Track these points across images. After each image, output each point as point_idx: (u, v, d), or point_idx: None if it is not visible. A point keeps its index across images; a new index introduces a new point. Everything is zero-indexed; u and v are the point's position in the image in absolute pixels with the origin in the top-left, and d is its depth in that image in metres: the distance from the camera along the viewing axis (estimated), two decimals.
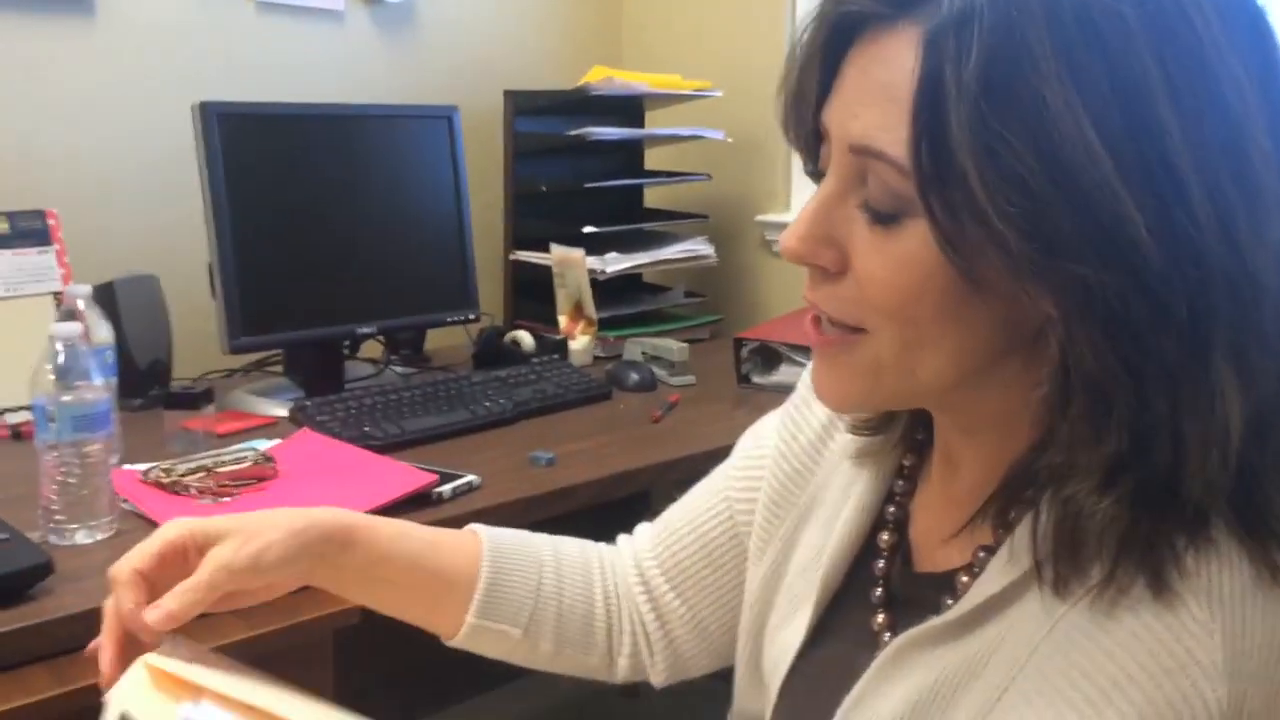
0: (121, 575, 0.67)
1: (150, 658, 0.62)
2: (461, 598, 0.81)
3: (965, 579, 0.63)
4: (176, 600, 0.66)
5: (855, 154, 0.57)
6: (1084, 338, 0.52)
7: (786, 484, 0.78)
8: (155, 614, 0.66)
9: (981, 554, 0.63)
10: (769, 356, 1.82)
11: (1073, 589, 0.56)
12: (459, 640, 0.82)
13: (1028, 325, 0.56)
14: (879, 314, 0.58)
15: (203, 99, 1.63)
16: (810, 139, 0.62)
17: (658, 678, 0.87)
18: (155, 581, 0.68)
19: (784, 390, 1.72)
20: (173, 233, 1.83)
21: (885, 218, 0.56)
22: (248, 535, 0.70)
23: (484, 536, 0.84)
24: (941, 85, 0.52)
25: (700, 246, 2.17)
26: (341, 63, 2.04)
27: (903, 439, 0.72)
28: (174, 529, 0.70)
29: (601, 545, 0.91)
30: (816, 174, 0.62)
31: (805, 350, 1.77)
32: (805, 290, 0.62)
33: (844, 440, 0.75)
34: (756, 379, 1.81)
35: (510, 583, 0.83)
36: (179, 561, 0.69)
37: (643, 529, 0.90)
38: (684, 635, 0.86)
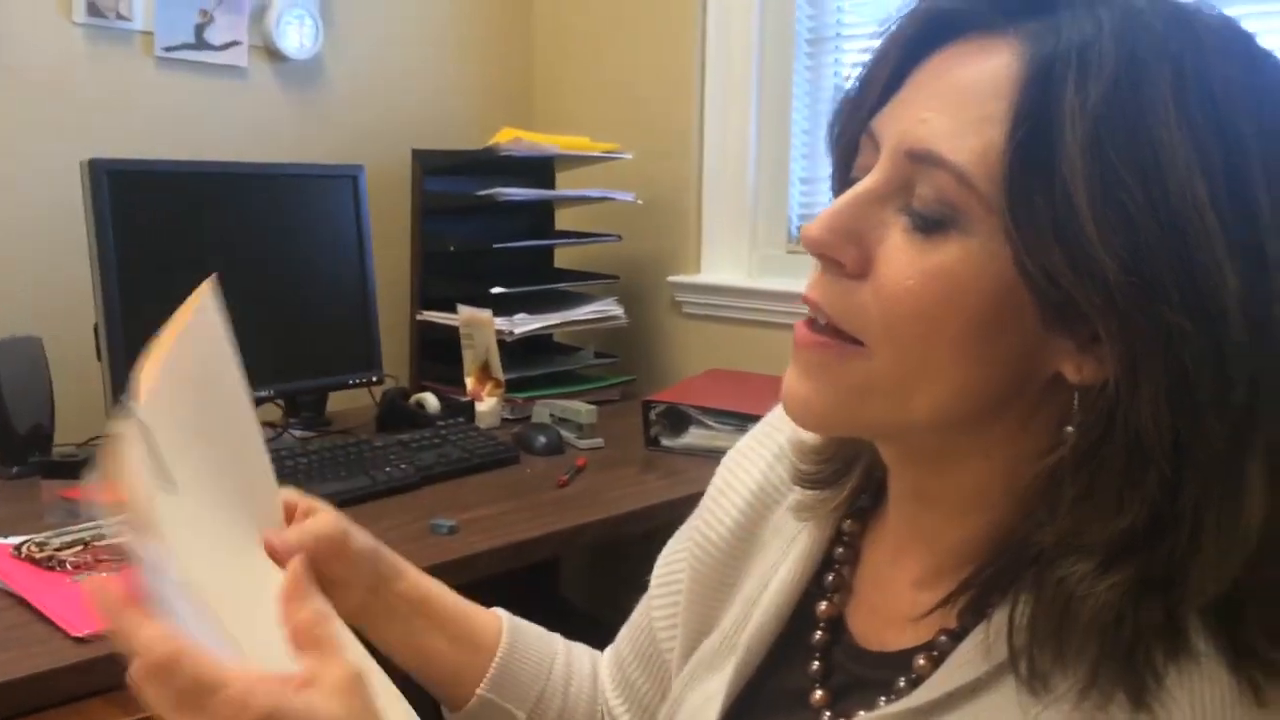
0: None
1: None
2: (481, 665, 0.80)
3: (923, 661, 0.60)
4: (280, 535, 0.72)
5: (912, 159, 0.54)
6: (1148, 394, 0.50)
7: (716, 570, 0.74)
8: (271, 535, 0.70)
9: (944, 638, 0.59)
10: (677, 419, 1.80)
11: (1053, 686, 0.53)
12: (464, 714, 0.80)
13: (1040, 375, 0.54)
14: (888, 329, 0.54)
15: (96, 155, 1.57)
16: (852, 143, 0.59)
17: None
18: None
19: (692, 453, 1.72)
20: (58, 293, 1.74)
21: (930, 224, 0.53)
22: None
23: (504, 614, 0.84)
24: (1057, 106, 0.50)
25: (611, 307, 2.15)
26: (245, 120, 2.00)
27: (846, 500, 0.68)
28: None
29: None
30: (847, 181, 0.58)
31: (714, 413, 1.75)
32: (808, 288, 0.58)
33: (781, 511, 0.72)
34: (665, 442, 1.79)
35: (524, 663, 0.81)
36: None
37: (609, 654, 0.87)
38: None
